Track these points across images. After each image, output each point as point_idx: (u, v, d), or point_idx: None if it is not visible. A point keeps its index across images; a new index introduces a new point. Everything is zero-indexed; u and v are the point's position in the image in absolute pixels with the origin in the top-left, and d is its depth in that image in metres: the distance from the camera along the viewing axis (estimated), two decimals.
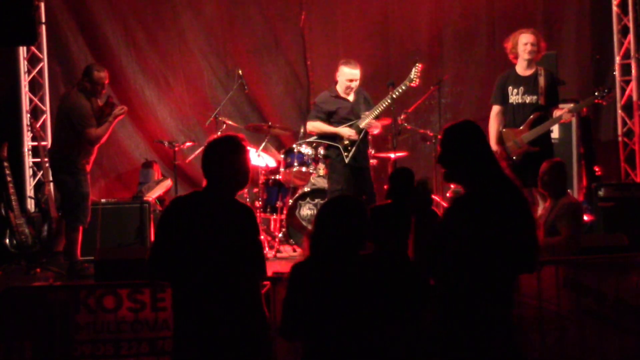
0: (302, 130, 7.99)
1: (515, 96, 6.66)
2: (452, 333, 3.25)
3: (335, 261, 3.29)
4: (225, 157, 3.49)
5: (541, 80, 6.56)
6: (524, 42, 6.60)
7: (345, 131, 7.02)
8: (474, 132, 3.44)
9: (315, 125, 7.16)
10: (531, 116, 6.55)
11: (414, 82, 6.96)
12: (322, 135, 7.16)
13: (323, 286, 3.25)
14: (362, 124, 7.05)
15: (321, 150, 7.67)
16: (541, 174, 5.77)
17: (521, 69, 6.67)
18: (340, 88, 7.11)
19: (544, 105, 6.57)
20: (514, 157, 6.56)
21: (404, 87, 6.97)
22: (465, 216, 3.29)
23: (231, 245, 3.37)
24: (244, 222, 3.44)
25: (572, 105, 6.93)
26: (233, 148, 3.51)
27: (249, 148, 3.61)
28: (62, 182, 6.86)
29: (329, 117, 7.10)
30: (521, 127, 6.57)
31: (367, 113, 7.08)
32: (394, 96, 6.95)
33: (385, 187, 8.22)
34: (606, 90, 6.66)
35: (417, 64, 6.95)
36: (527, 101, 6.59)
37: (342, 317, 3.23)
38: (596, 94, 6.67)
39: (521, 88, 6.63)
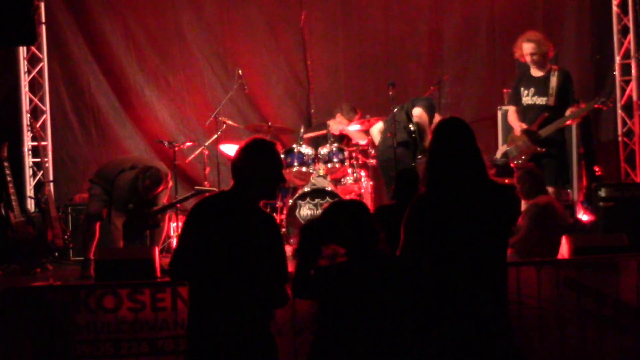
0: (302, 130, 7.99)
1: (526, 97, 6.71)
2: (438, 335, 3.24)
3: (361, 264, 3.32)
4: (258, 162, 3.40)
5: (553, 81, 6.58)
6: (527, 53, 6.71)
7: None
8: (436, 131, 3.41)
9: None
10: (540, 117, 6.57)
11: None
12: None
13: (348, 287, 3.28)
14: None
15: (322, 150, 7.67)
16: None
17: (534, 69, 6.71)
18: None
19: (554, 106, 6.59)
20: (523, 157, 6.59)
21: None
22: (422, 218, 3.27)
23: (249, 252, 3.32)
24: (266, 232, 3.37)
25: (573, 109, 6.89)
26: (267, 154, 3.42)
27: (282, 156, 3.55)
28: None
29: None
30: (531, 126, 6.62)
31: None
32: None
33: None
34: (607, 96, 6.66)
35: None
36: (537, 102, 6.63)
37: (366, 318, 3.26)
38: (596, 98, 6.68)
39: (532, 89, 6.67)
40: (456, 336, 3.20)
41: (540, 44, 6.64)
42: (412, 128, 7.21)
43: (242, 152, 3.44)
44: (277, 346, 3.49)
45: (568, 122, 6.63)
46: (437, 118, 7.36)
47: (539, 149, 6.53)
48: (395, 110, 7.26)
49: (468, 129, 3.36)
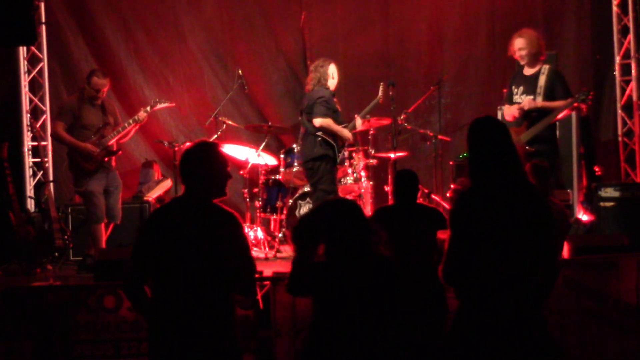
0: (302, 130, 7.98)
1: (516, 96, 6.69)
2: (476, 332, 3.25)
3: (349, 262, 3.34)
4: (202, 163, 3.51)
5: (541, 80, 6.55)
6: (516, 48, 6.67)
7: (347, 133, 7.00)
8: (483, 127, 3.44)
9: (328, 122, 6.83)
10: (528, 116, 6.56)
11: (380, 99, 7.22)
12: (326, 134, 6.88)
13: (335, 286, 3.31)
14: (356, 126, 7.09)
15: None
16: None
17: (526, 68, 6.69)
18: (332, 87, 7.01)
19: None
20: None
21: (373, 105, 7.26)
22: (467, 211, 3.30)
23: (205, 252, 3.37)
24: (222, 229, 3.43)
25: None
26: (209, 154, 3.53)
27: (224, 154, 3.62)
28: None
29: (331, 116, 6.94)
30: (521, 127, 6.59)
31: (356, 116, 7.12)
32: (367, 113, 7.33)
33: (385, 187, 8.30)
34: (585, 93, 6.53)
35: (381, 84, 7.24)
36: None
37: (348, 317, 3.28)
38: (576, 96, 6.58)
39: (521, 87, 6.64)
40: (489, 333, 3.21)
41: (531, 41, 6.61)
42: (325, 138, 6.85)
43: (186, 155, 3.54)
44: (240, 351, 3.56)
45: (552, 120, 6.52)
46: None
47: (527, 147, 6.51)
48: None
49: (505, 128, 3.44)
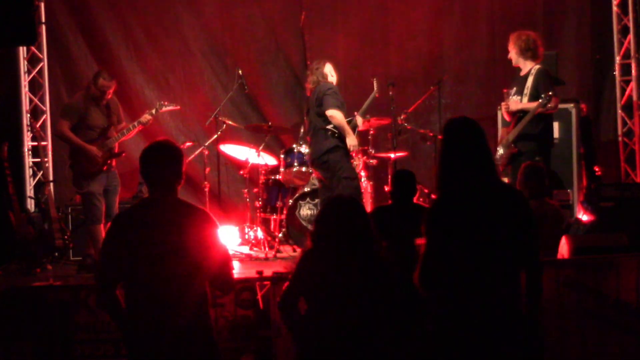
0: (302, 130, 7.98)
1: (510, 96, 6.75)
2: (451, 339, 3.23)
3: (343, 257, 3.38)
4: (165, 161, 3.55)
5: (529, 80, 6.60)
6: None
7: (353, 140, 6.95)
8: (449, 131, 3.38)
9: (341, 117, 6.74)
10: (515, 116, 6.62)
11: (377, 93, 7.37)
12: (336, 128, 6.80)
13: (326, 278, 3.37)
14: (357, 125, 7.10)
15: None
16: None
17: (522, 69, 6.74)
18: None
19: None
20: (505, 157, 6.63)
21: (370, 100, 7.38)
22: (444, 218, 3.25)
23: (177, 250, 3.36)
24: (194, 226, 3.42)
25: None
26: (171, 153, 3.58)
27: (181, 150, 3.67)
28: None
29: None
30: (510, 127, 6.67)
31: (356, 114, 7.12)
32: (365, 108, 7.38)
33: (385, 187, 8.29)
34: (547, 98, 6.43)
35: (374, 78, 7.45)
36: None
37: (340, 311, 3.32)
38: (539, 101, 6.48)
39: (514, 88, 6.73)
40: (469, 340, 3.19)
41: (512, 42, 6.69)
42: (335, 131, 6.77)
43: (145, 156, 3.62)
44: (217, 346, 3.57)
45: (527, 119, 6.53)
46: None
47: (512, 145, 6.55)
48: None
49: (477, 128, 3.35)
